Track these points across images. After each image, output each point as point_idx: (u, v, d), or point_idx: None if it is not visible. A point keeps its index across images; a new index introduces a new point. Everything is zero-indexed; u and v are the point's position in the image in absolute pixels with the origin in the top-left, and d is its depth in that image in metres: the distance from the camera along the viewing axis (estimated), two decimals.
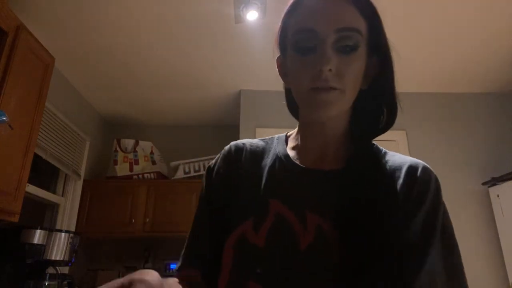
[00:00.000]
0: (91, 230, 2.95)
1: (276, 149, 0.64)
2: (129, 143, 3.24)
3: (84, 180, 3.09)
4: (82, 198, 3.02)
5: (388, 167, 0.56)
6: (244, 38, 2.30)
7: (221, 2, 1.99)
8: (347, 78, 0.52)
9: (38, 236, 2.04)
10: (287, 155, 0.61)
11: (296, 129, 0.66)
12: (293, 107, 0.66)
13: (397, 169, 0.55)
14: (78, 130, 2.98)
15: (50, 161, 2.59)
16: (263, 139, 0.68)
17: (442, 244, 0.50)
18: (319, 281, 0.49)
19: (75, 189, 3.02)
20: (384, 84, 0.58)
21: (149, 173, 3.17)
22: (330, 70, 0.51)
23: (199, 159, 3.28)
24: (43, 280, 2.07)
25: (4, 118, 1.54)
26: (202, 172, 3.18)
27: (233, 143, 0.68)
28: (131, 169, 3.15)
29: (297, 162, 0.60)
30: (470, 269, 2.52)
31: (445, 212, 0.53)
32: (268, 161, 0.62)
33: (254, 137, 0.84)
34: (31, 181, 2.06)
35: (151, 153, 3.27)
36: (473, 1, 1.96)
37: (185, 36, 2.29)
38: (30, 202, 2.44)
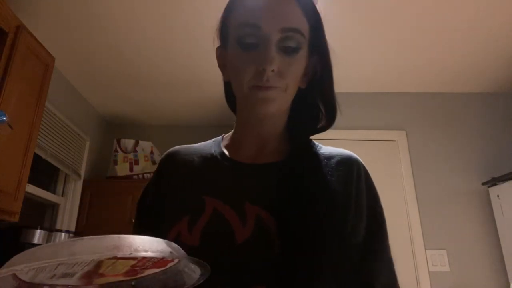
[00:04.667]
0: (91, 230, 2.93)
1: (211, 149, 0.64)
2: (129, 143, 3.24)
3: (84, 180, 3.08)
4: (82, 198, 3.02)
5: (323, 158, 0.57)
6: None
7: (222, 1, 1.99)
8: (289, 78, 0.53)
9: (38, 236, 2.04)
10: (222, 153, 0.62)
11: (233, 130, 0.66)
12: (232, 101, 0.66)
13: (332, 159, 0.57)
14: (78, 130, 2.98)
15: (50, 161, 2.59)
16: (201, 143, 0.69)
17: (384, 231, 0.55)
18: (258, 273, 0.47)
19: (75, 189, 3.02)
20: (323, 84, 0.59)
21: (149, 173, 3.17)
22: (272, 70, 0.51)
23: None
24: None
25: (4, 118, 1.53)
26: None
27: (166, 152, 0.68)
28: (131, 169, 3.15)
29: (233, 158, 0.60)
30: (470, 269, 2.50)
31: (378, 196, 0.57)
32: (203, 161, 0.62)
33: None
34: (31, 181, 2.06)
35: (151, 153, 3.27)
36: (473, 2, 1.96)
37: (186, 36, 2.29)
38: (30, 202, 2.44)
